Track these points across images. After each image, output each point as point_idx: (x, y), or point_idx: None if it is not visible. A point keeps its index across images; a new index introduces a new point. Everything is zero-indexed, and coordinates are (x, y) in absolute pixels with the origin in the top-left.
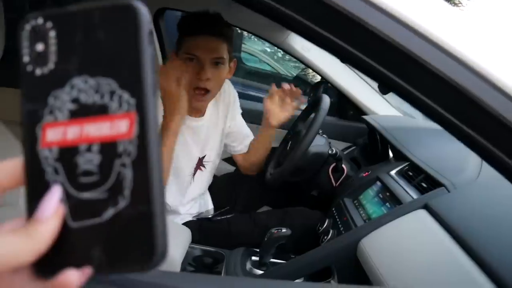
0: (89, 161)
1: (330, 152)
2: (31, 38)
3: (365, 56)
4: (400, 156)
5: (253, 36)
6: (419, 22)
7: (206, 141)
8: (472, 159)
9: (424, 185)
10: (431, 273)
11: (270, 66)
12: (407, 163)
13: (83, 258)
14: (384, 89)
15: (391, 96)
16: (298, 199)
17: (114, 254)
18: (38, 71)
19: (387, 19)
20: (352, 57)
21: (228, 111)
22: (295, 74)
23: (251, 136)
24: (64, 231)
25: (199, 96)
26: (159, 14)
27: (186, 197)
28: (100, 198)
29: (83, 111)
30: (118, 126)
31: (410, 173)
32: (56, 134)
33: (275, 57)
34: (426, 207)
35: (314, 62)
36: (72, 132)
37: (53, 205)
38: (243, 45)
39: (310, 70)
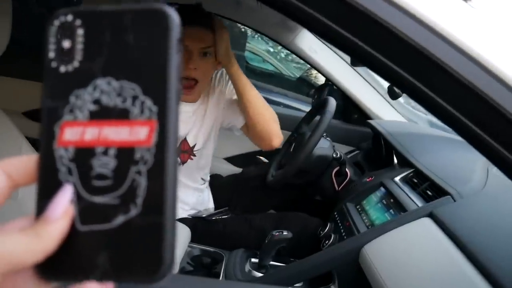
0: (104, 164)
1: (334, 155)
2: (58, 34)
3: (379, 54)
4: (405, 162)
5: (257, 35)
6: (435, 20)
7: (193, 127)
8: (478, 169)
9: (429, 193)
10: (435, 282)
11: (273, 66)
12: (412, 170)
13: (89, 263)
14: (393, 94)
15: (397, 102)
16: (301, 203)
17: (120, 263)
18: (63, 68)
19: (403, 16)
20: (366, 56)
21: (220, 97)
22: (297, 75)
23: None
24: (72, 234)
25: (187, 90)
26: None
27: (184, 191)
28: (111, 203)
29: (104, 113)
30: (137, 133)
31: (415, 180)
32: (74, 133)
33: (278, 57)
34: (431, 215)
35: (320, 64)
36: (90, 133)
37: (63, 205)
38: (247, 44)
39: (313, 72)
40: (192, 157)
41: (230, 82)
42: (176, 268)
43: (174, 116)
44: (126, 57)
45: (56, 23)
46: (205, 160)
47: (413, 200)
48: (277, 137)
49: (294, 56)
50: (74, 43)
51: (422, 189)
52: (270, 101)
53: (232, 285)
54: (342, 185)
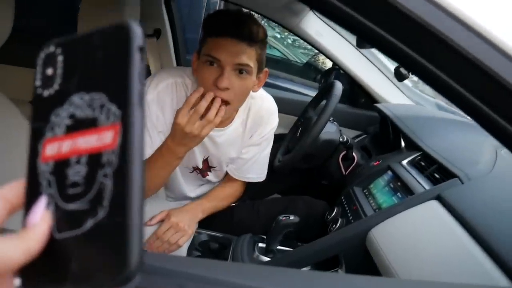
0: (77, 172)
1: (340, 139)
2: (43, 64)
3: (386, 33)
4: (412, 146)
5: (264, 21)
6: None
7: (214, 152)
8: (487, 151)
9: (436, 175)
10: (442, 264)
11: (280, 52)
12: (419, 153)
13: (64, 270)
14: (400, 76)
15: (404, 84)
16: (307, 187)
17: (90, 267)
18: (46, 93)
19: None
20: (373, 35)
21: (255, 135)
22: (304, 61)
23: (247, 172)
24: (50, 243)
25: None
26: None
27: (195, 184)
28: (82, 209)
29: (77, 126)
30: (104, 138)
31: (422, 163)
32: (53, 148)
33: (285, 43)
34: (439, 198)
35: (326, 48)
36: (66, 146)
37: (40, 212)
38: None
39: (320, 57)
40: (208, 173)
41: (269, 141)
42: (184, 254)
43: (137, 117)
44: (95, 72)
45: (42, 54)
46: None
47: (420, 183)
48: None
49: (301, 42)
50: (55, 69)
51: (429, 172)
52: (276, 87)
53: (241, 266)
54: (349, 169)
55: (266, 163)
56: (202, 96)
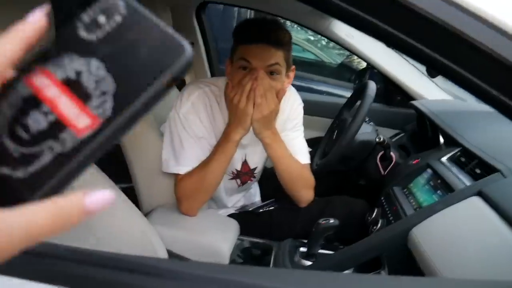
0: (37, 120)
1: (377, 140)
2: (102, 8)
3: (410, 38)
4: (451, 142)
5: (295, 25)
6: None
7: (250, 148)
8: None
9: (477, 171)
10: (487, 261)
11: (314, 54)
12: (459, 149)
13: None
14: (432, 72)
15: (440, 78)
16: (345, 189)
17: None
18: (79, 32)
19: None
20: (397, 41)
21: (285, 125)
22: (339, 62)
23: (298, 156)
24: None
25: None
26: (201, 8)
27: (233, 196)
28: (11, 154)
29: (74, 86)
30: (79, 119)
31: (463, 159)
32: (41, 82)
33: (319, 45)
34: (481, 193)
35: (358, 48)
36: (51, 91)
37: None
38: None
39: (354, 57)
40: (252, 178)
41: (299, 126)
42: (226, 261)
43: (116, 133)
44: (127, 60)
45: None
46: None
47: (461, 180)
48: (305, 202)
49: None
50: (104, 23)
51: (470, 168)
52: (311, 90)
53: (284, 272)
54: (388, 169)
55: (306, 150)
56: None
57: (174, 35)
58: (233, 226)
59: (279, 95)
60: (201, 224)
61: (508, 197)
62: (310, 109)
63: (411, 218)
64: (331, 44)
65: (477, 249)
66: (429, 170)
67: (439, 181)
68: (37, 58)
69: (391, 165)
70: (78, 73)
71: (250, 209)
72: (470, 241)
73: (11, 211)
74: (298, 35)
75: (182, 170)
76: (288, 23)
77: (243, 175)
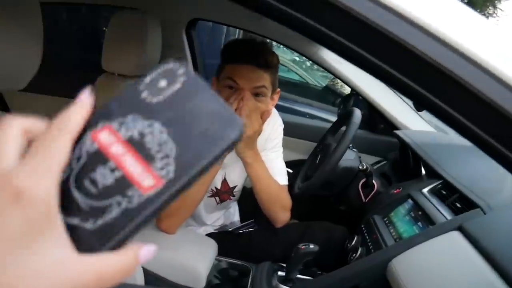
0: (104, 176)
1: (360, 167)
2: (163, 73)
3: (399, 73)
4: (433, 174)
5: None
6: (456, 38)
7: (230, 167)
8: (509, 179)
9: (458, 205)
10: None
11: (299, 75)
12: (440, 181)
13: None
14: (419, 107)
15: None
16: (325, 213)
17: None
18: (142, 95)
19: (422, 35)
20: (386, 75)
21: (265, 144)
22: (323, 84)
23: (277, 177)
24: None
25: None
26: (191, 25)
27: (212, 214)
28: (82, 204)
29: (138, 146)
30: (145, 178)
31: (444, 192)
32: (107, 138)
33: (304, 66)
34: (461, 228)
35: (345, 75)
36: (116, 148)
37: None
38: None
39: (338, 81)
40: (231, 197)
41: (279, 147)
42: (203, 282)
43: (177, 193)
44: (187, 126)
45: (171, 65)
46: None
47: (441, 213)
48: (281, 223)
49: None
50: (165, 87)
51: (451, 201)
52: (295, 111)
53: None
54: (369, 197)
55: (284, 170)
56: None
57: (229, 108)
58: (211, 246)
59: (263, 116)
60: (179, 243)
61: (488, 234)
62: (294, 131)
63: (391, 249)
64: (316, 66)
65: (456, 284)
66: (410, 201)
67: (420, 212)
68: (101, 115)
69: (373, 193)
70: (142, 134)
71: (230, 229)
72: (449, 276)
73: (89, 256)
74: (284, 55)
75: None
76: (274, 42)
77: (222, 193)
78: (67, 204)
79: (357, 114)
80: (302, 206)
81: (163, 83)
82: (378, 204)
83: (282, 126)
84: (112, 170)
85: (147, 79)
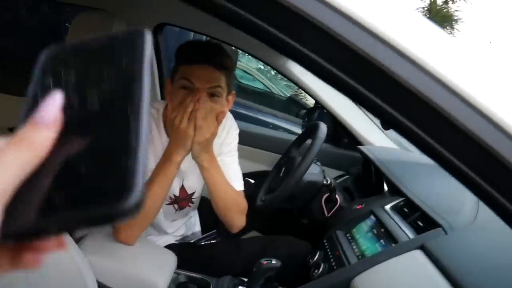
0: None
1: (325, 182)
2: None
3: (368, 92)
4: (395, 191)
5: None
6: (424, 58)
7: (188, 173)
8: (469, 199)
9: (420, 223)
10: None
11: (264, 84)
12: (402, 199)
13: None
14: (386, 125)
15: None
16: (287, 226)
17: (88, 190)
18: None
19: (392, 53)
20: (354, 92)
21: (220, 148)
22: (288, 94)
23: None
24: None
25: None
26: (157, 29)
27: (173, 222)
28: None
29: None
30: None
31: (406, 210)
32: None
33: (268, 75)
34: (423, 248)
35: (311, 87)
36: None
37: (54, 111)
38: (238, 62)
39: (303, 92)
40: (190, 204)
41: (234, 151)
42: None
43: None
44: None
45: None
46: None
47: (404, 231)
48: (237, 228)
49: None
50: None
51: (412, 219)
52: (259, 121)
53: None
54: (332, 211)
55: (240, 176)
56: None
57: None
58: (171, 259)
59: (219, 118)
60: (137, 255)
61: (449, 254)
62: (257, 142)
63: (354, 267)
64: (280, 75)
65: None
66: (372, 217)
67: (382, 229)
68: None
69: (335, 208)
70: None
71: (192, 241)
72: None
73: None
74: (249, 63)
75: None
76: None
77: (181, 200)
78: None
79: (323, 128)
80: (264, 218)
81: (60, 67)
82: (340, 219)
83: (238, 130)
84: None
85: (39, 73)
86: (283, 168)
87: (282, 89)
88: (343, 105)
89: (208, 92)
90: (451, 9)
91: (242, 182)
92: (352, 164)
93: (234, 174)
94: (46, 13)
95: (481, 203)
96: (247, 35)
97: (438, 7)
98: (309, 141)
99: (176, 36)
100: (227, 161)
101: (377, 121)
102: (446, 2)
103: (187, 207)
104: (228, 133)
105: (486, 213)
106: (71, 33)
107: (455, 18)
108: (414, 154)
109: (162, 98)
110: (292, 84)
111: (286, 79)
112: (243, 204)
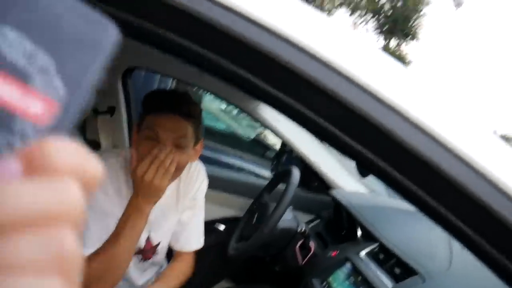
0: None
1: (299, 229)
2: None
3: (344, 135)
4: (368, 236)
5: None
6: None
7: (155, 224)
8: (441, 244)
9: (396, 270)
10: None
11: (227, 125)
12: (376, 244)
13: None
14: (364, 172)
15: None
16: (260, 274)
17: None
18: None
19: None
20: (335, 140)
21: (194, 201)
22: (251, 135)
23: (187, 241)
24: None
25: None
26: (127, 73)
27: (144, 273)
28: None
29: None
30: (30, 104)
31: (381, 256)
32: None
33: (231, 115)
34: None
35: (282, 132)
36: None
37: None
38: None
39: (266, 131)
40: (155, 255)
41: (202, 200)
42: None
43: (75, 113)
44: (51, 31)
45: None
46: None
47: (381, 279)
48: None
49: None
50: None
51: (389, 266)
52: (225, 164)
53: None
54: (306, 259)
55: (202, 231)
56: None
57: (95, 11)
58: None
59: (182, 168)
60: None
61: None
62: (226, 186)
63: None
64: (242, 115)
65: None
66: (348, 265)
67: (359, 277)
68: None
69: (309, 255)
70: None
71: None
72: None
73: None
74: (212, 104)
75: (88, 251)
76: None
77: (146, 252)
78: None
79: (296, 174)
80: (236, 266)
81: None
82: (315, 266)
83: (205, 189)
84: None
85: None
86: (256, 214)
87: (245, 129)
88: (313, 149)
89: (174, 142)
90: (403, 51)
91: (203, 239)
92: (322, 208)
93: (200, 229)
94: None
95: (453, 248)
96: (214, 78)
97: (391, 50)
98: (281, 186)
99: (142, 80)
100: (197, 214)
101: (348, 165)
102: (398, 45)
103: (151, 258)
104: (200, 187)
105: (460, 259)
106: None
107: (407, 60)
108: (385, 198)
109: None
110: (255, 125)
111: (248, 119)
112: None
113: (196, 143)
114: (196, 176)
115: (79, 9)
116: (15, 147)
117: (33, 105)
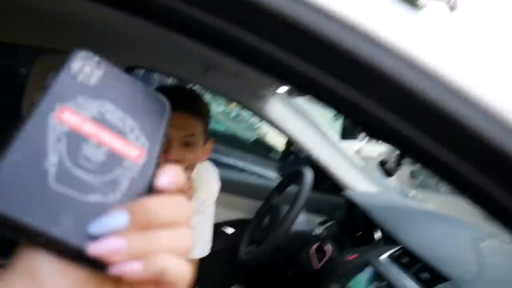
0: (93, 152)
1: (313, 233)
2: (83, 58)
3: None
4: (388, 239)
5: (210, 95)
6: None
7: None
8: (468, 247)
9: (424, 276)
10: None
11: (226, 126)
12: (397, 247)
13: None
14: (388, 171)
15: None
16: (273, 279)
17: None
18: (81, 79)
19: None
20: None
21: (198, 200)
22: (251, 137)
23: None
24: (41, 186)
25: None
26: (127, 71)
27: None
28: (91, 182)
29: (105, 123)
30: (130, 149)
31: (404, 260)
32: (73, 118)
33: (230, 116)
34: None
35: (292, 132)
36: (88, 127)
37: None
38: None
39: (268, 132)
40: None
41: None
42: None
43: (158, 153)
44: (131, 104)
45: (80, 55)
46: None
47: (408, 285)
48: None
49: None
50: (92, 73)
51: (415, 271)
52: (229, 166)
53: None
54: (322, 262)
55: (210, 239)
56: None
57: (149, 87)
58: None
59: (193, 165)
60: None
61: None
62: (234, 189)
63: None
64: (241, 117)
65: None
66: (369, 269)
67: (384, 282)
68: (48, 98)
69: (326, 259)
70: (101, 113)
71: None
72: None
73: None
74: (213, 106)
75: None
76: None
77: None
78: (77, 185)
79: (309, 175)
80: (246, 270)
81: (88, 68)
82: (333, 271)
83: (216, 193)
84: (97, 147)
85: (73, 66)
86: (266, 217)
87: (244, 130)
88: (324, 149)
89: (182, 141)
90: None
91: (209, 247)
92: (333, 209)
93: (207, 237)
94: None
95: (480, 250)
96: (224, 79)
97: None
98: (291, 187)
99: (140, 77)
100: (206, 220)
101: (358, 164)
102: None
103: None
104: (211, 190)
105: (492, 263)
106: (33, 77)
107: None
108: (400, 198)
109: None
110: (255, 126)
111: (247, 121)
112: None
113: (205, 142)
114: (207, 179)
115: (147, 90)
116: (125, 175)
117: (131, 150)
